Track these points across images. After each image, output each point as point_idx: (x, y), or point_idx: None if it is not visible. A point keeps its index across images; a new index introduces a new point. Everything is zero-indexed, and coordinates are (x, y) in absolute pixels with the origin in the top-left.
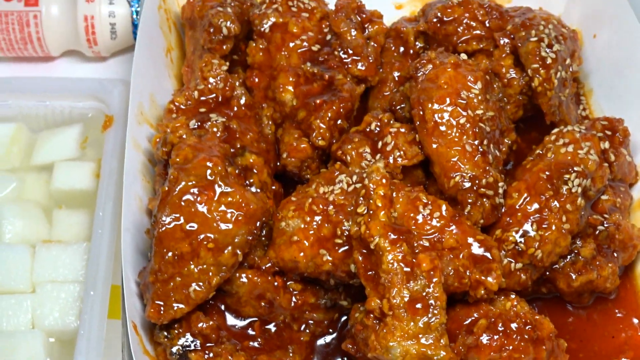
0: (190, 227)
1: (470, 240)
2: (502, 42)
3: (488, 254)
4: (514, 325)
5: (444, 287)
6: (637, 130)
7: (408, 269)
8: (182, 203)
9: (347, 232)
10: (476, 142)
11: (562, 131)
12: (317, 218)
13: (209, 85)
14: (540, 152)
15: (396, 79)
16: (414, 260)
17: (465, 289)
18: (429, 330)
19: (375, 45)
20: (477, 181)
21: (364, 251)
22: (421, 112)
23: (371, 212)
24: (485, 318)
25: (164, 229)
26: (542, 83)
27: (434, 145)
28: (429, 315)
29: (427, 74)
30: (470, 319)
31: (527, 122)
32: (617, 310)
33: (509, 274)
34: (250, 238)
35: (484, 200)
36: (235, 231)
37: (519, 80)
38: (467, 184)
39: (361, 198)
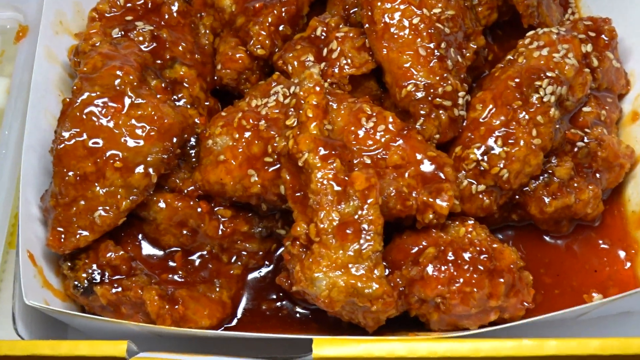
0: (94, 143)
1: (419, 156)
2: None
3: (440, 173)
4: (466, 255)
5: (384, 211)
6: (633, 36)
7: (339, 189)
8: (85, 116)
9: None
10: (432, 46)
11: (538, 33)
12: (247, 134)
13: None
14: (512, 57)
15: None
16: (347, 178)
17: (411, 212)
18: (360, 259)
19: None
20: (432, 90)
21: (293, 169)
22: (369, 13)
23: (300, 124)
24: (434, 246)
25: (62, 145)
26: None
27: (385, 51)
28: (361, 242)
29: None
30: (417, 248)
31: (505, 27)
32: (601, 241)
33: (469, 197)
34: (166, 157)
35: (440, 112)
36: (147, 148)
37: None
38: (421, 94)
39: (291, 109)
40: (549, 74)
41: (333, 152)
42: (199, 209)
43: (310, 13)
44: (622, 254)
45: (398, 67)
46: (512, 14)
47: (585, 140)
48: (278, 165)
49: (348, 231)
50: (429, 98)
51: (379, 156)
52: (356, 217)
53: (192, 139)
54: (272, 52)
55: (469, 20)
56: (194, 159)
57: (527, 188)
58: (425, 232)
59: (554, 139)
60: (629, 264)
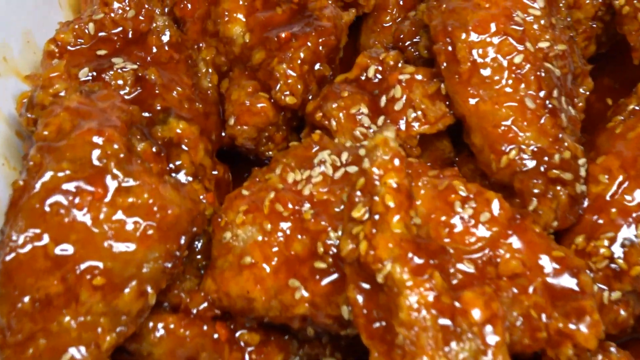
0: (62, 250)
1: (543, 259)
2: None
3: (573, 283)
4: None
5: (508, 348)
6: None
7: (446, 320)
8: (48, 208)
9: (334, 250)
10: (542, 94)
11: None
12: (285, 225)
13: (112, 14)
14: (636, 107)
15: (401, 2)
16: (456, 303)
17: (541, 346)
18: None
19: None
20: (545, 157)
21: (366, 286)
22: (450, 48)
23: (376, 217)
24: None
25: (13, 254)
26: (630, 0)
27: (473, 101)
28: None
29: None
30: None
31: (595, 62)
32: None
33: (600, 309)
34: (170, 265)
35: (558, 188)
36: (143, 255)
37: None
38: (531, 163)
39: (358, 192)
40: None
41: (431, 262)
42: (215, 336)
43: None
44: None
45: (494, 124)
46: (611, 46)
47: None
48: (336, 275)
49: None
50: (542, 169)
51: (484, 259)
52: None
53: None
54: (304, 99)
55: (577, 57)
56: (199, 256)
57: None
58: None
59: None
60: None
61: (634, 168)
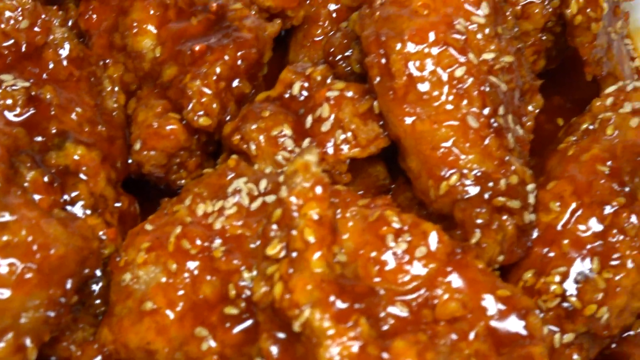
0: None
1: (486, 300)
2: None
3: (521, 326)
4: None
5: None
6: None
7: None
8: None
9: (248, 293)
10: (486, 112)
11: (625, 89)
12: (192, 265)
13: (2, 25)
14: (590, 126)
15: (334, 15)
16: (385, 355)
17: None
18: None
19: None
20: (490, 183)
21: (281, 335)
22: (383, 60)
23: (294, 254)
24: None
25: None
26: (583, 9)
27: (409, 120)
28: None
29: None
30: None
31: (545, 79)
32: None
33: (550, 353)
34: (53, 314)
35: (504, 218)
36: (20, 303)
37: (541, 7)
38: (474, 189)
39: (274, 226)
40: None
41: (356, 306)
42: None
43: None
44: None
45: (432, 146)
46: (561, 61)
47: None
48: (250, 322)
49: None
50: (486, 197)
51: (420, 301)
52: None
53: (97, 271)
54: (221, 120)
55: (525, 71)
56: (97, 301)
57: (630, 332)
58: None
59: None
60: None
61: (589, 194)
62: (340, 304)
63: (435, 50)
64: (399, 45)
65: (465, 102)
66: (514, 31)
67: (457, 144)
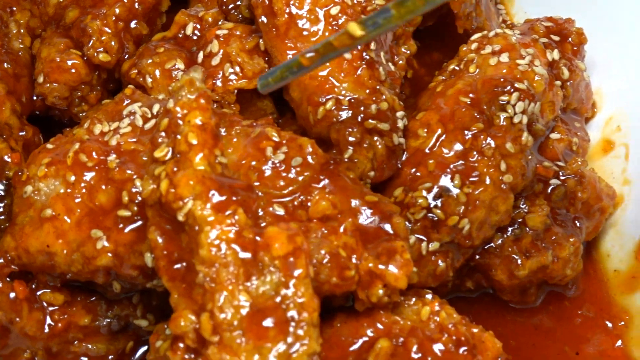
0: None
1: (355, 203)
2: None
3: (387, 226)
4: (438, 348)
5: (314, 286)
6: (593, 47)
7: (247, 255)
8: None
9: (140, 199)
10: (358, 46)
11: (488, 36)
12: (89, 176)
13: None
14: (457, 67)
15: None
16: (258, 238)
17: (350, 288)
18: None
19: None
20: (362, 107)
21: (168, 227)
22: (267, 1)
23: (179, 155)
24: (388, 336)
25: None
26: None
27: (290, 53)
28: (289, 340)
29: None
30: (361, 341)
31: (423, 37)
32: (579, 312)
33: (417, 260)
34: None
35: (375, 138)
36: None
37: None
38: (346, 114)
39: (162, 133)
40: (517, 85)
41: (234, 198)
42: (12, 294)
43: (170, 10)
44: (608, 324)
45: (311, 76)
46: (437, 20)
47: (562, 176)
48: (141, 222)
49: (266, 323)
50: (359, 119)
51: (296, 203)
52: (278, 299)
53: (0, 185)
54: (120, 58)
55: None
56: (2, 217)
57: (491, 244)
58: (371, 315)
59: (526, 175)
60: (619, 342)
61: (452, 122)
62: (219, 197)
63: None
64: None
65: None
66: None
67: (332, 73)
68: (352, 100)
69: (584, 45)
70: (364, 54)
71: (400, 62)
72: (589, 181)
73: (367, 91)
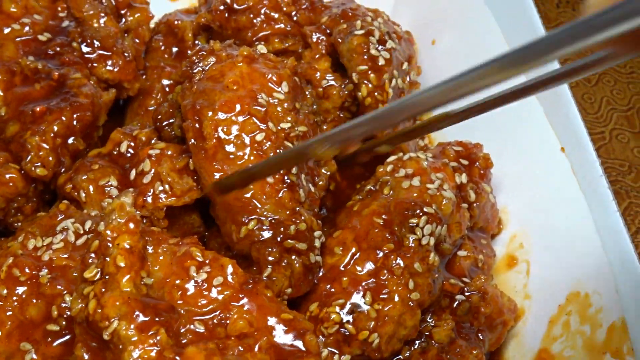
0: None
1: (271, 321)
2: (315, 38)
3: (299, 343)
4: None
5: None
6: (500, 168)
7: None
8: None
9: (69, 313)
10: (280, 170)
11: (402, 159)
12: (21, 290)
13: None
14: (373, 187)
15: (167, 89)
16: (178, 358)
17: None
18: None
19: (138, 40)
20: (281, 228)
21: (94, 344)
22: (197, 125)
23: (107, 277)
24: None
25: None
26: (372, 93)
27: (217, 175)
28: None
29: (208, 70)
30: None
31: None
32: None
33: None
34: None
35: (293, 257)
36: None
37: (339, 89)
38: (267, 233)
39: (92, 255)
40: (426, 209)
41: (157, 319)
42: None
43: (107, 124)
44: None
45: (235, 197)
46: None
47: (466, 292)
48: (69, 337)
49: None
50: (278, 239)
51: (215, 321)
52: None
53: None
54: (57, 172)
55: None
56: None
57: (399, 356)
58: None
59: (433, 292)
60: None
61: (366, 241)
62: (143, 317)
63: (240, 119)
64: (210, 113)
65: None
66: (313, 107)
67: (255, 195)
68: (273, 221)
69: (490, 169)
70: (286, 177)
71: (321, 182)
72: (491, 297)
73: (288, 212)
